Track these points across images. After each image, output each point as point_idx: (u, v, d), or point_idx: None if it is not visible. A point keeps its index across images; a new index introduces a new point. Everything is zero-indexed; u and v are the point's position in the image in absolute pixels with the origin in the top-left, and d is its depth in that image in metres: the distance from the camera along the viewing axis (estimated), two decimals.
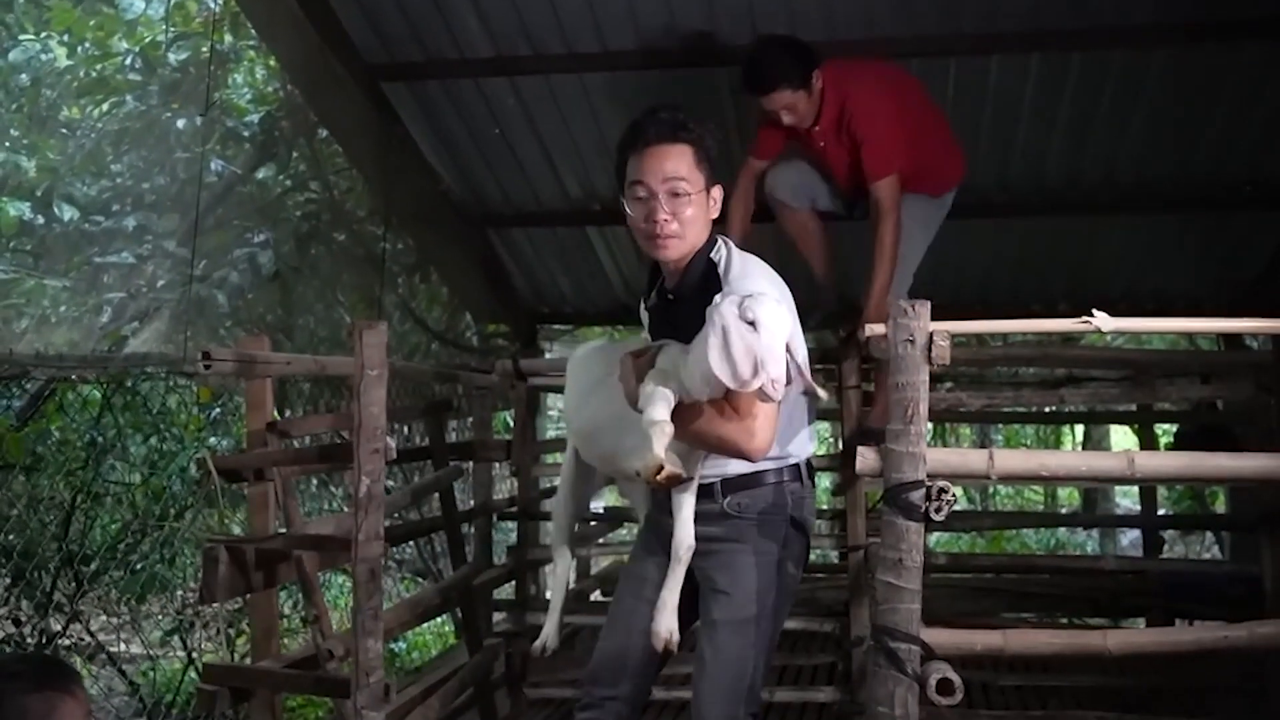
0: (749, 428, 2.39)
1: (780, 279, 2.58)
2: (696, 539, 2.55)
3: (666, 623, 2.52)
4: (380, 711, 2.88)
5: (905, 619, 2.36)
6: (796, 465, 2.63)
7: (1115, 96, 4.78)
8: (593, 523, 5.57)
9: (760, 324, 2.28)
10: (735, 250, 2.61)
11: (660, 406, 2.39)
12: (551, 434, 7.35)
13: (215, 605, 6.71)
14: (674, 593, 2.54)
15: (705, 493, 2.59)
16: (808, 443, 2.68)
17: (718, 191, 2.60)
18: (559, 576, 2.96)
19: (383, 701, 2.93)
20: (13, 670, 1.96)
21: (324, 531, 3.42)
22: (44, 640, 5.67)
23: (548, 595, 6.70)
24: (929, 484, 2.33)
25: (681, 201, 2.53)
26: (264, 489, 3.26)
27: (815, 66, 3.98)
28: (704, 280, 2.54)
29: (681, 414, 2.42)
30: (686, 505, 2.54)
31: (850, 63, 4.13)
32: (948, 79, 4.78)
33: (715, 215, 2.61)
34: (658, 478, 2.34)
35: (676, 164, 2.54)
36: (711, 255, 2.57)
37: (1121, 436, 10.87)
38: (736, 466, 2.56)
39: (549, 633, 2.86)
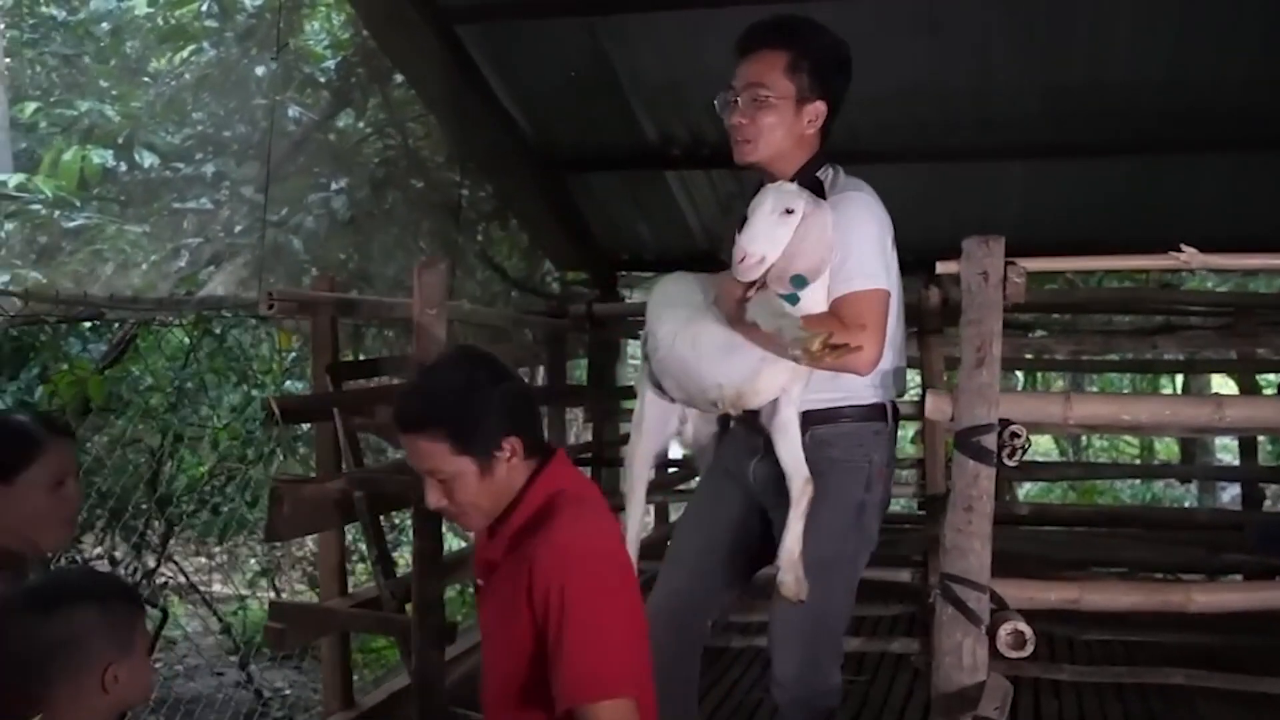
0: (856, 338, 2.27)
1: (878, 199, 2.47)
2: (775, 479, 2.46)
3: (796, 573, 2.40)
4: (441, 650, 2.87)
5: (975, 567, 2.25)
6: (881, 405, 2.51)
7: (1220, 14, 4.48)
8: (670, 469, 5.47)
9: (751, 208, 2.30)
10: (844, 174, 2.52)
11: (779, 305, 2.28)
12: (631, 380, 7.27)
13: (305, 547, 6.85)
14: (798, 540, 2.41)
15: None
16: (893, 382, 2.55)
17: (816, 107, 2.48)
18: (632, 520, 2.78)
19: (445, 641, 2.92)
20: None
21: (388, 473, 3.42)
22: (140, 578, 5.85)
23: None
24: (1000, 427, 2.20)
25: (759, 107, 2.46)
26: (329, 430, 3.26)
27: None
28: None
29: None
30: (790, 433, 2.43)
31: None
32: (1038, 6, 4.56)
33: (811, 131, 2.49)
34: (823, 348, 2.16)
35: (762, 69, 2.47)
36: (819, 174, 2.46)
37: (1221, 386, 10.51)
38: (817, 399, 2.46)
39: None
